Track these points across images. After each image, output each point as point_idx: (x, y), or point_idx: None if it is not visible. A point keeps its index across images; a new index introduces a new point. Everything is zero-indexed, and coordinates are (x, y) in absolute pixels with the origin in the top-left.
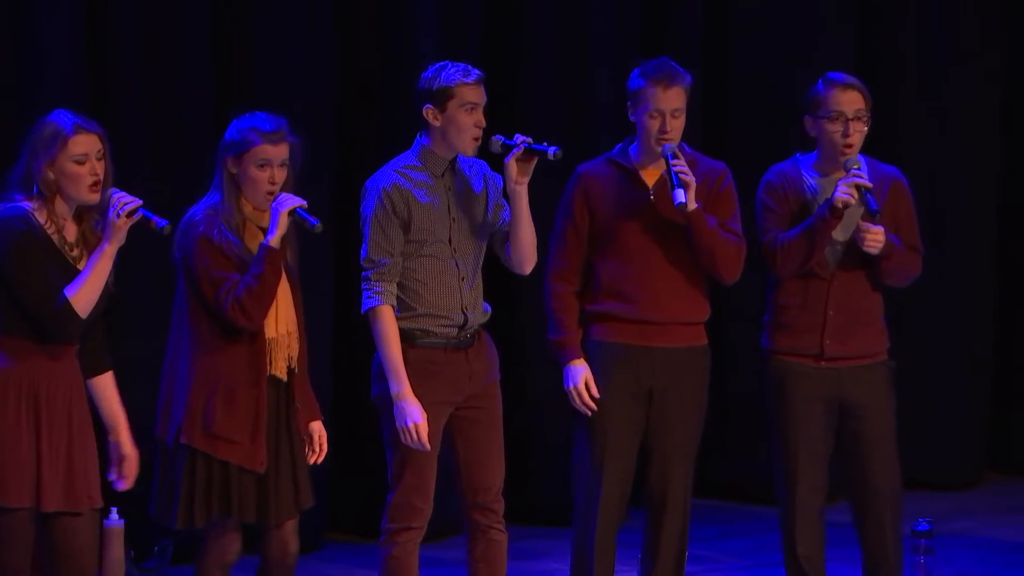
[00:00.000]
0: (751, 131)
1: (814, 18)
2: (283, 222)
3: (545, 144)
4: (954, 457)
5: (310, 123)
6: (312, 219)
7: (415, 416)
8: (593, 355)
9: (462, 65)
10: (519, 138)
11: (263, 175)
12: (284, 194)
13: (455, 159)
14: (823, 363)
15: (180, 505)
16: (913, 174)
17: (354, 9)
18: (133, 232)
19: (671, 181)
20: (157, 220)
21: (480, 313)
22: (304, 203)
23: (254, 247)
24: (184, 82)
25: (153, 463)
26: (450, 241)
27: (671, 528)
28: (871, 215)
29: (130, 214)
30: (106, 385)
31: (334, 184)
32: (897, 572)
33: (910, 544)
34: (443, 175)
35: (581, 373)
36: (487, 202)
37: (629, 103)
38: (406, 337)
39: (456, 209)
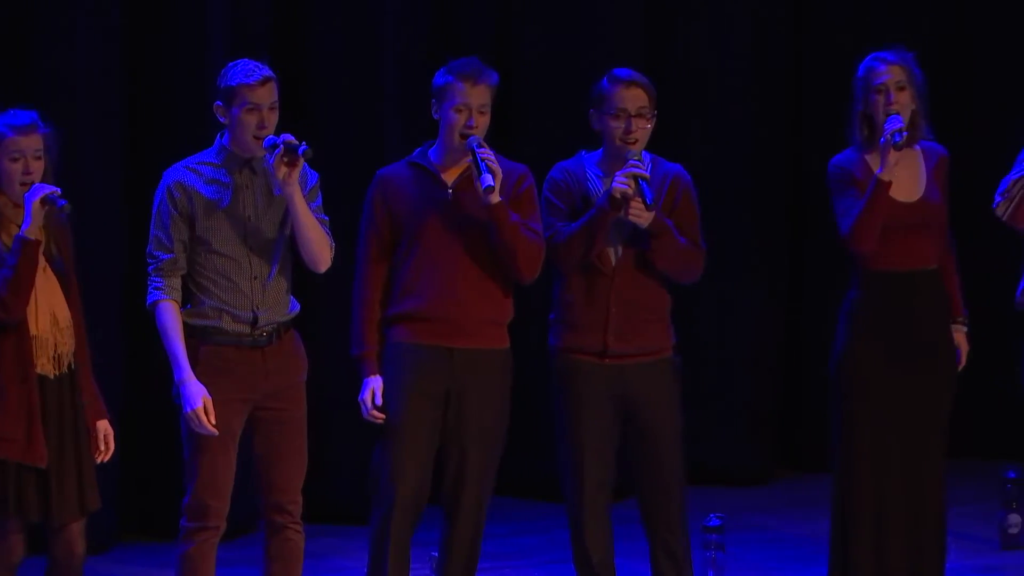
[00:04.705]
0: (538, 126)
1: (602, 11)
2: (36, 211)
3: (300, 144)
4: (744, 453)
5: (98, 120)
6: (60, 201)
7: (194, 401)
8: (393, 357)
9: (252, 65)
10: (282, 138)
11: (16, 167)
12: (37, 184)
13: (256, 158)
14: (607, 360)
15: None
16: (703, 170)
17: (143, 6)
18: None
19: (477, 168)
20: None
21: (279, 312)
22: (57, 190)
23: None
24: None
25: None
26: (245, 239)
27: (463, 529)
28: (646, 207)
29: None
30: None
31: (124, 182)
32: (686, 568)
33: (701, 540)
34: (240, 172)
35: (370, 386)
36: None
37: (433, 100)
38: (198, 333)
39: (252, 207)
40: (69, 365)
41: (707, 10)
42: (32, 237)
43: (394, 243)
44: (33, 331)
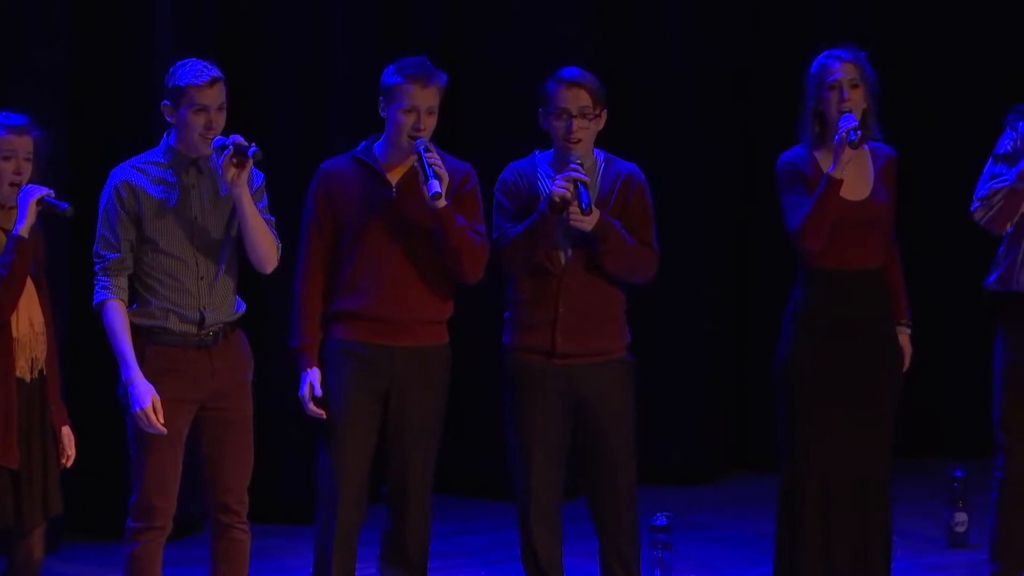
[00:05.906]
0: (488, 126)
1: (555, 13)
2: (31, 211)
3: (250, 145)
4: (693, 451)
5: (44, 119)
6: (62, 204)
7: (143, 400)
8: (333, 354)
9: (201, 65)
10: (232, 139)
11: (8, 166)
12: (30, 184)
13: (203, 158)
14: (555, 360)
15: None
16: (652, 171)
17: (90, 5)
18: None
19: (424, 173)
20: None
21: (225, 312)
22: (51, 191)
23: None
24: None
25: None
26: (192, 239)
27: (412, 525)
28: (581, 211)
29: None
30: None
31: (70, 182)
32: (635, 567)
33: (648, 539)
34: (187, 172)
35: (307, 379)
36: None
37: (381, 99)
38: (145, 333)
39: (199, 207)
40: (41, 370)
41: (660, 9)
42: (26, 235)
43: (335, 238)
44: (14, 333)
